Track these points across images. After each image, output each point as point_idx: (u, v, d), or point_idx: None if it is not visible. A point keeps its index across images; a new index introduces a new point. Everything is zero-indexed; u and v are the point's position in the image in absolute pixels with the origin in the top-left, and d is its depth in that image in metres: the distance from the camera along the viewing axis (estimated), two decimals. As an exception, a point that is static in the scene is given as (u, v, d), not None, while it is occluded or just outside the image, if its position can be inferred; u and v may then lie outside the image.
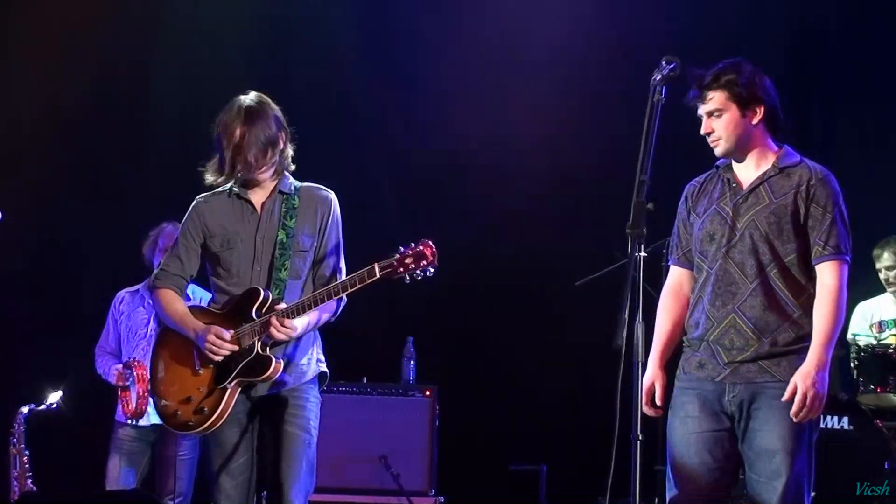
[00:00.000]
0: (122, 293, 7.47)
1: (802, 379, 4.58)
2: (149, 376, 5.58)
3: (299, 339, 5.13)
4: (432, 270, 4.89)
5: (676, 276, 4.99)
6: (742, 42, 8.12)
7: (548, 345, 8.48)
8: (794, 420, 4.59)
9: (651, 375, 4.86)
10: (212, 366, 5.09)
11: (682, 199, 5.01)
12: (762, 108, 4.79)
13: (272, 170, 5.17)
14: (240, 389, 5.07)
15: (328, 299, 4.98)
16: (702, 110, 4.83)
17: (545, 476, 8.12)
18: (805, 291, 4.73)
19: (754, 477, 4.68)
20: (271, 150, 5.10)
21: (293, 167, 5.27)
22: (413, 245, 4.89)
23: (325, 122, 8.57)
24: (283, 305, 5.01)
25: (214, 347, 5.03)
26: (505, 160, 8.66)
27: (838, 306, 4.67)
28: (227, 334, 5.04)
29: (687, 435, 4.76)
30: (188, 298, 5.55)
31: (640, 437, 4.39)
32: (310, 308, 4.99)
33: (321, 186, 5.30)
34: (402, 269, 4.86)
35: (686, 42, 7.90)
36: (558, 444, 8.25)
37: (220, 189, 5.24)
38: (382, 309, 6.70)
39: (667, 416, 4.89)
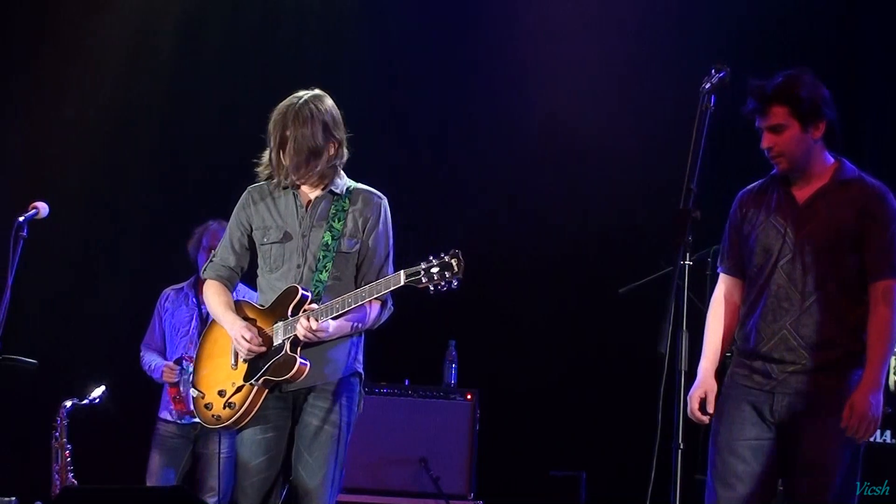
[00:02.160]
0: (168, 290, 7.49)
1: (858, 402, 4.54)
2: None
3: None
4: (456, 283, 4.74)
5: (727, 285, 4.94)
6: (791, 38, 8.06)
7: (590, 351, 8.45)
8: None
9: (703, 385, 4.83)
10: (246, 361, 5.07)
11: (735, 206, 4.94)
12: (823, 124, 4.70)
13: (315, 177, 5.09)
14: (267, 389, 5.03)
15: (355, 303, 4.90)
16: (761, 124, 4.73)
17: (585, 483, 8.09)
18: (859, 307, 4.68)
19: (798, 489, 4.65)
20: (313, 159, 5.01)
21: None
22: (441, 255, 4.77)
23: (369, 115, 8.55)
24: (315, 306, 4.94)
25: (240, 346, 5.03)
26: (551, 169, 8.63)
27: (893, 326, 4.62)
28: (254, 334, 5.00)
29: (732, 441, 4.74)
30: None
31: (682, 446, 4.38)
32: (338, 310, 4.91)
33: (373, 190, 5.21)
34: (426, 279, 4.75)
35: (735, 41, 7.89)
36: (598, 450, 8.22)
37: (273, 180, 5.16)
38: (425, 312, 6.67)
39: (709, 425, 4.86)
